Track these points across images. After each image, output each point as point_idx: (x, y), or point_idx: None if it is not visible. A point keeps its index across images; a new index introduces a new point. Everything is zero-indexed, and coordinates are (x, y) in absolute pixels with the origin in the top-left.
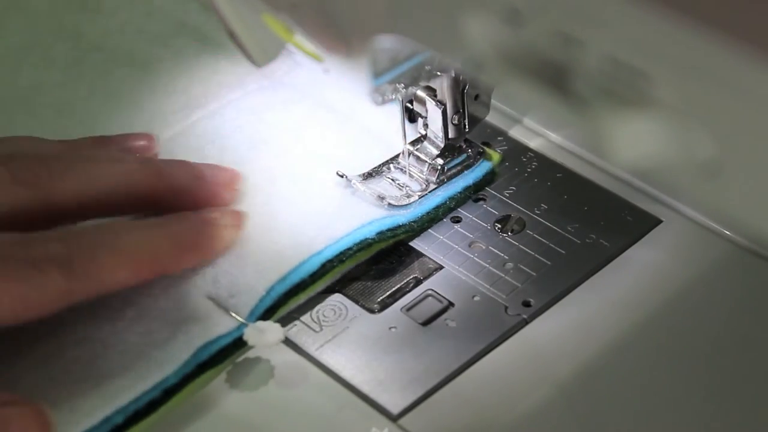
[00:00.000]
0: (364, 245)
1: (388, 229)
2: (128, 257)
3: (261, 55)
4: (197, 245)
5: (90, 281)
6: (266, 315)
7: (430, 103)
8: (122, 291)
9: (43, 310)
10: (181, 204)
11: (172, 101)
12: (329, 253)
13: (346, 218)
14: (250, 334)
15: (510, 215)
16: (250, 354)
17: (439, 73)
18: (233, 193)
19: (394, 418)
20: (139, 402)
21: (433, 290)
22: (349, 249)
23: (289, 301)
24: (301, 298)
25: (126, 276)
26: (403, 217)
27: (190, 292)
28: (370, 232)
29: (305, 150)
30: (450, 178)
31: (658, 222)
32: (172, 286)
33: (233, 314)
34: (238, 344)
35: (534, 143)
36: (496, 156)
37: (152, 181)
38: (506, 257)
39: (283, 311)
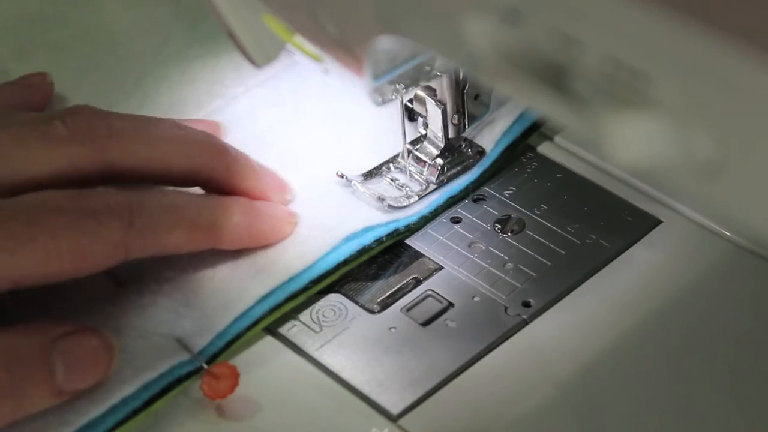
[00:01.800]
0: (363, 252)
1: (395, 231)
2: (187, 221)
3: (261, 55)
4: (253, 229)
5: (147, 237)
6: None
7: (430, 103)
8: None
9: (100, 263)
10: (234, 186)
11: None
12: (330, 263)
13: (346, 222)
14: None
15: (510, 215)
16: (250, 354)
17: (439, 73)
18: (282, 200)
19: (394, 419)
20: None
21: (433, 290)
22: (351, 256)
23: (284, 306)
24: (298, 301)
25: (181, 239)
26: (407, 219)
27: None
28: (370, 237)
29: (309, 147)
30: (450, 179)
31: (658, 222)
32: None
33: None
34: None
35: (534, 143)
36: None
37: (211, 155)
38: (506, 258)
39: (277, 314)
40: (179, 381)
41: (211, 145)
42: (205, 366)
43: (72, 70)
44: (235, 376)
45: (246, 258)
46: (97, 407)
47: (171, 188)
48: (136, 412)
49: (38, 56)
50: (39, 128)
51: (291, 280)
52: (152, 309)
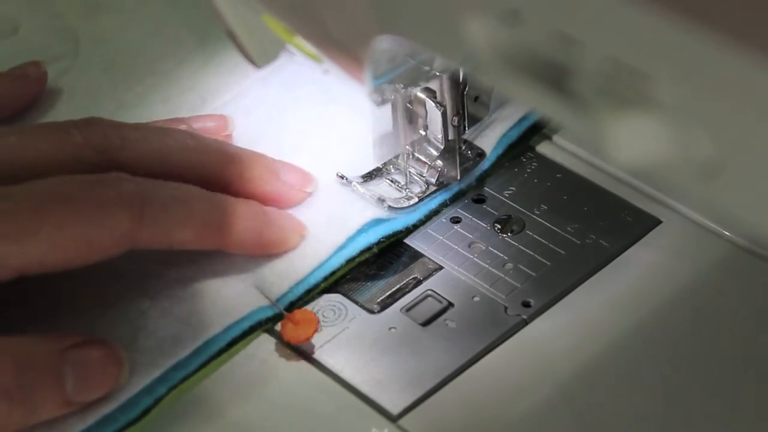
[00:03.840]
0: (365, 251)
1: (392, 233)
2: (197, 219)
3: (261, 55)
4: (261, 236)
5: (156, 231)
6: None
7: (430, 105)
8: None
9: (106, 253)
10: (250, 193)
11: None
12: (335, 264)
13: (346, 222)
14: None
15: (510, 215)
16: (249, 354)
17: (438, 74)
18: (303, 195)
19: (393, 419)
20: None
21: (432, 290)
22: (351, 259)
23: (357, 258)
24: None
25: (190, 237)
26: (408, 218)
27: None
28: (370, 238)
29: (309, 147)
30: (450, 179)
31: (658, 222)
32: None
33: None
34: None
35: (534, 143)
36: None
37: (224, 163)
38: (506, 258)
39: (351, 265)
40: (260, 325)
41: (222, 153)
42: (285, 312)
43: (137, 32)
44: (314, 321)
45: (323, 211)
46: (184, 349)
47: (192, 186)
48: (219, 353)
49: (104, 17)
50: (54, 135)
51: (364, 232)
52: (234, 257)
